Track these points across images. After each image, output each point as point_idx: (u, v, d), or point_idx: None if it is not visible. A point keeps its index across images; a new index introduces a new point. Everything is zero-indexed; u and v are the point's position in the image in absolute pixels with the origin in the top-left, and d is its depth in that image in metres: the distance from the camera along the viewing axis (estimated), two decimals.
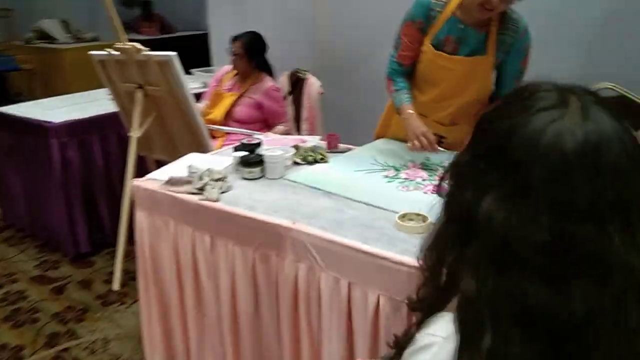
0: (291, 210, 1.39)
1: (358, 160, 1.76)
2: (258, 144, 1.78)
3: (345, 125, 3.22)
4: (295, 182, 1.60)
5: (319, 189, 1.54)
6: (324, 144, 1.93)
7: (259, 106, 2.58)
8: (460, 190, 0.64)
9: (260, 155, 1.64)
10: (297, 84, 2.86)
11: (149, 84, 2.33)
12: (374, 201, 1.43)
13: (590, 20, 2.24)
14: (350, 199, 1.46)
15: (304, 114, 2.79)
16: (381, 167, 1.70)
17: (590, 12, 2.24)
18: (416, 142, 1.64)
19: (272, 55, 2.69)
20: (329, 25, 3.14)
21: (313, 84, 2.76)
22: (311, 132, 2.78)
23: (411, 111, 1.70)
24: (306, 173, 1.66)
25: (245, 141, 1.79)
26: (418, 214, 1.30)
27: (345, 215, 1.37)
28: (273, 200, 1.46)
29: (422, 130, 1.64)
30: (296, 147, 1.81)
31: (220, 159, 1.79)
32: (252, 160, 1.63)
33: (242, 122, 2.57)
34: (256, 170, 1.62)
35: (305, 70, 2.85)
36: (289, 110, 2.83)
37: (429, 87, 1.78)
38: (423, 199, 1.44)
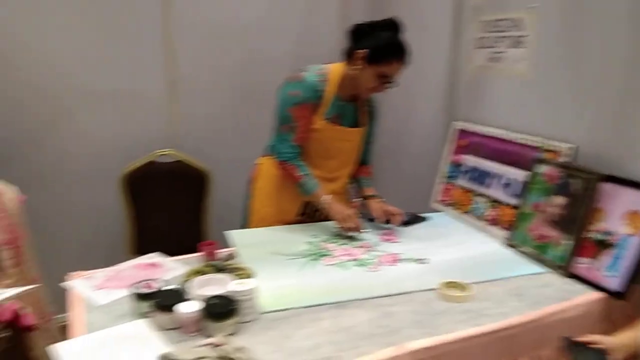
0: (337, 344, 1.08)
1: (272, 261, 1.50)
2: (173, 290, 1.17)
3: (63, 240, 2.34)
4: (284, 309, 1.21)
5: (319, 304, 1.23)
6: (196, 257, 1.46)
7: None
8: None
9: (226, 298, 1.11)
10: None
11: None
12: (386, 290, 1.32)
13: None
14: (362, 298, 1.28)
15: None
16: (302, 257, 1.53)
17: None
18: (350, 224, 1.65)
19: None
20: None
21: (3, 192, 1.82)
22: (18, 262, 1.85)
23: (326, 195, 1.67)
24: (272, 294, 1.27)
25: (141, 291, 1.15)
26: (451, 283, 1.32)
27: (394, 309, 1.22)
28: (297, 347, 1.07)
29: (348, 213, 1.65)
30: (210, 267, 1.32)
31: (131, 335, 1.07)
32: (222, 310, 1.08)
33: None
34: (231, 322, 1.09)
35: None
36: None
37: (324, 161, 1.75)
38: (403, 273, 1.42)
